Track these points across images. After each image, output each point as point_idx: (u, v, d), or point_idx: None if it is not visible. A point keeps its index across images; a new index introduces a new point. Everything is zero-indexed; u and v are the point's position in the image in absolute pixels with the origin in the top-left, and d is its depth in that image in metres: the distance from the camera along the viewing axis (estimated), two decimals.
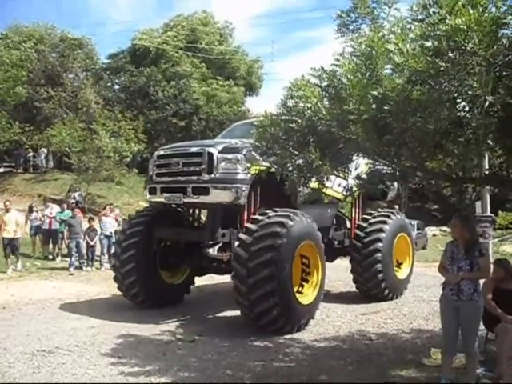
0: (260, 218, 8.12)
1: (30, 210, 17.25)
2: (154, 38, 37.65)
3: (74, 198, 24.11)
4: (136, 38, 37.89)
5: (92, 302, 10.24)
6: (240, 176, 8.33)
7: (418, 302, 10.59)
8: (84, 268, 15.03)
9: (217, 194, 8.29)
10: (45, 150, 34.06)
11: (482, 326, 5.98)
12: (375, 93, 4.57)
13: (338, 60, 5.07)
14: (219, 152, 8.42)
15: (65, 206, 17.50)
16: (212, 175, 8.35)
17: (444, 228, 30.16)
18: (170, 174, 8.97)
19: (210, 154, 8.40)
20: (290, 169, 5.76)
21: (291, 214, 8.10)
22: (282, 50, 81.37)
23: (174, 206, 9.47)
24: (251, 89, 41.38)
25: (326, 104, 5.12)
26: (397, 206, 21.35)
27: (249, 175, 8.32)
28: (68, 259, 15.13)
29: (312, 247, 8.59)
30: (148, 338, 7.64)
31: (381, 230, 10.64)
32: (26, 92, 28.79)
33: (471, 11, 3.72)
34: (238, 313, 8.15)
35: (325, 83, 5.22)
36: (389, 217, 11.07)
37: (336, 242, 10.98)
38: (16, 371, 6.06)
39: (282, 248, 7.66)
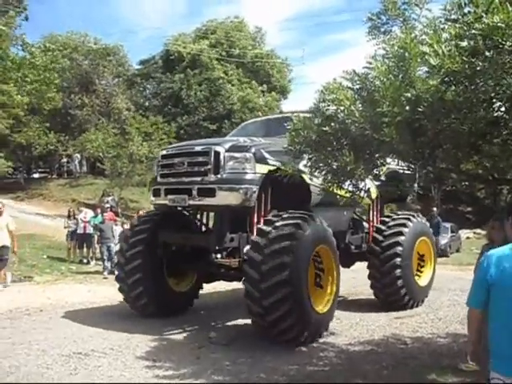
0: (274, 219, 7.58)
1: (69, 215, 17.60)
2: (187, 44, 37.97)
3: (108, 202, 24.46)
4: (169, 44, 38.29)
5: (126, 305, 10.31)
6: (249, 176, 7.75)
7: (454, 305, 10.42)
8: (115, 272, 15.15)
9: (224, 196, 7.70)
10: (78, 156, 34.71)
11: None
12: (408, 95, 4.53)
13: (370, 63, 5.05)
14: (226, 151, 7.85)
15: (98, 210, 17.77)
16: (218, 175, 7.78)
17: (478, 231, 29.64)
18: (175, 174, 8.43)
19: (217, 153, 7.83)
20: (324, 172, 5.76)
21: (307, 217, 7.65)
22: (312, 53, 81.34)
23: (179, 208, 9.03)
24: (282, 92, 41.43)
25: (358, 107, 5.09)
26: (435, 209, 21.09)
27: (258, 175, 7.78)
28: (102, 263, 15.37)
29: (327, 252, 8.12)
30: (181, 341, 7.71)
31: (400, 234, 10.01)
32: (61, 99, 29.34)
33: (510, 8, 3.66)
34: None
35: (357, 86, 5.20)
36: (409, 220, 10.39)
37: (353, 247, 10.32)
38: (54, 373, 6.16)
39: (297, 251, 7.17)
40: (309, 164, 5.96)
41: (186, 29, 48.44)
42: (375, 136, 4.83)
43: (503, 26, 3.70)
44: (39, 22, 62.82)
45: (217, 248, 8.36)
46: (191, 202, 8.06)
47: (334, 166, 5.49)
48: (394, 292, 9.78)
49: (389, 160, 5.96)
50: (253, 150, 7.84)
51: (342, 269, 10.71)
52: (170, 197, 8.33)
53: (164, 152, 9.04)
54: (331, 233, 8.18)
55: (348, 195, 8.34)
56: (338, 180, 5.75)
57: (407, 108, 4.62)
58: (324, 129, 5.37)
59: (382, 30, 5.66)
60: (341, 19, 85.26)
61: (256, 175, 7.76)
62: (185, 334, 8.12)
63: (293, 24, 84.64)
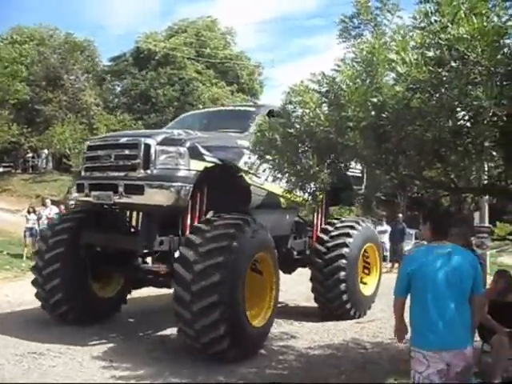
0: (204, 227, 6.78)
1: (29, 211, 17.20)
2: (158, 42, 37.72)
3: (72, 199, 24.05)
4: (140, 41, 37.96)
5: None
6: (182, 173, 6.93)
7: None
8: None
9: (153, 194, 6.88)
10: (46, 151, 34.17)
11: (477, 337, 5.95)
12: (375, 100, 4.55)
13: (338, 66, 5.06)
14: (158, 143, 7.00)
15: (62, 207, 17.46)
16: (148, 171, 6.93)
17: None
18: (100, 168, 7.52)
19: (147, 146, 6.98)
20: (287, 175, 5.74)
21: (242, 223, 6.86)
22: (284, 56, 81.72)
23: (106, 206, 8.05)
24: (252, 94, 41.47)
25: (324, 110, 5.10)
26: (400, 215, 21.29)
27: (193, 172, 7.00)
28: None
29: (266, 260, 7.39)
30: (139, 343, 7.58)
31: (344, 245, 9.31)
32: (27, 93, 28.80)
33: (474, 20, 3.70)
34: None
35: (324, 89, 5.20)
36: (354, 228, 9.63)
37: (295, 253, 9.49)
38: (6, 372, 5.99)
39: (232, 265, 6.42)
40: (272, 165, 5.94)
41: (159, 27, 48.22)
42: (339, 140, 4.83)
43: (468, 37, 3.73)
44: (7, 15, 61.57)
45: (144, 252, 7.76)
46: (117, 200, 7.20)
47: (298, 168, 5.47)
48: (338, 306, 9.30)
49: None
50: (188, 144, 7.04)
51: (299, 272, 10.67)
52: (94, 193, 7.48)
53: (89, 143, 8.16)
54: (271, 238, 7.51)
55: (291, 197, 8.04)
56: (302, 183, 5.73)
57: (373, 113, 4.64)
58: (289, 131, 5.36)
59: (353, 33, 5.64)
60: (313, 24, 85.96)
61: (190, 172, 7.00)
62: (142, 337, 7.97)
63: (264, 26, 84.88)
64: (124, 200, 7.16)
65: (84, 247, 7.93)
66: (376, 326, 9.13)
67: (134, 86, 37.11)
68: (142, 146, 7.00)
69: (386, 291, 12.54)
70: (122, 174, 7.16)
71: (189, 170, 6.98)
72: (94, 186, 7.52)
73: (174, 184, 6.83)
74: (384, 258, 19.72)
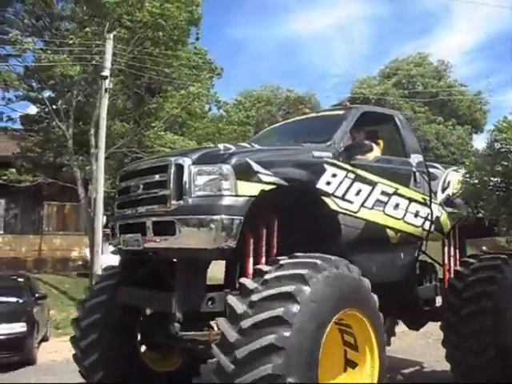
0: (251, 286, 4.45)
1: None
2: (372, 87, 38.60)
3: None
4: (355, 88, 39.27)
5: None
6: (226, 201, 4.76)
7: None
8: None
9: (187, 234, 4.75)
10: None
11: None
12: None
13: None
14: (193, 163, 4.92)
15: None
16: (181, 202, 4.84)
17: None
18: (129, 203, 5.56)
19: (178, 167, 4.96)
20: (497, 214, 5.60)
21: (307, 271, 4.35)
22: (504, 81, 75.77)
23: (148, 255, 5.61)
24: (475, 126, 39.81)
25: None
26: None
27: (241, 199, 4.80)
28: None
29: (358, 319, 4.84)
30: None
31: (486, 296, 6.25)
32: None
33: None
34: None
35: None
36: (498, 269, 6.47)
37: (421, 302, 6.77)
38: None
39: (291, 343, 3.95)
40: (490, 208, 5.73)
41: (374, 70, 49.43)
42: None
43: None
44: (234, 80, 68.67)
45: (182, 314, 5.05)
46: (147, 245, 5.14)
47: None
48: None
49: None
50: (233, 160, 4.89)
51: None
52: (123, 237, 5.52)
53: (122, 172, 6.29)
54: (367, 287, 4.99)
55: (401, 228, 6.17)
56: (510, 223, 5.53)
57: None
58: (497, 169, 5.26)
59: None
60: None
61: (238, 199, 4.83)
62: None
63: (482, 53, 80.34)
64: (154, 245, 5.14)
65: (120, 308, 6.03)
66: None
67: None
68: (173, 168, 5.01)
69: None
70: (151, 207, 5.19)
71: (236, 196, 4.84)
72: (123, 227, 5.62)
73: (214, 218, 4.72)
74: None
